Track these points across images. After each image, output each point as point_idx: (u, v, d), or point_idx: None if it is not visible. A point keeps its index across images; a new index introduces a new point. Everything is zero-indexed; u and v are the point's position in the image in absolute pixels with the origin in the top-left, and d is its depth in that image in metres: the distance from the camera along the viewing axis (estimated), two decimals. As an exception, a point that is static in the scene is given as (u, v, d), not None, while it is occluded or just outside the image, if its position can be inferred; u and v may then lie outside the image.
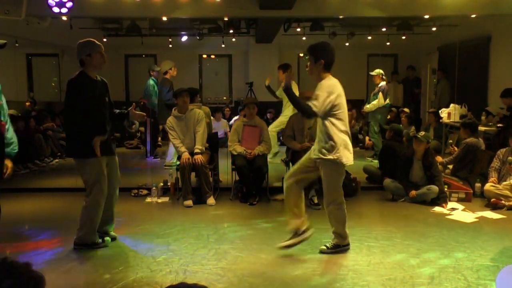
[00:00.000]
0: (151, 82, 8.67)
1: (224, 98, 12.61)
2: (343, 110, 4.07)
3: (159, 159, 8.83)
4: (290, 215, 4.30)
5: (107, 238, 4.47)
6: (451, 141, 7.84)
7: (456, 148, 6.96)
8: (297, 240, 4.25)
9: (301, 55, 11.93)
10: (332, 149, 4.03)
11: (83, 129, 4.19)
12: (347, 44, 10.76)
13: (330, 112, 4.00)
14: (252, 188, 6.06)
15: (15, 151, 3.74)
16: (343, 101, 4.07)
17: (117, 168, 4.56)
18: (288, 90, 4.07)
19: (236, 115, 10.83)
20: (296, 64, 11.85)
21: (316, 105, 3.91)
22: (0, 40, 3.63)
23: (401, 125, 8.35)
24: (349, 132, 4.18)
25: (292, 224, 4.28)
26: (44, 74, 12.62)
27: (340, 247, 4.27)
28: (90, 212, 4.30)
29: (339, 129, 4.04)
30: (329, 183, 4.18)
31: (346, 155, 4.07)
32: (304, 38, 10.38)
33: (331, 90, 3.98)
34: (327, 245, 4.29)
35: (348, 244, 4.32)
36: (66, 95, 4.27)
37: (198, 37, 10.82)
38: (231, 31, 10.63)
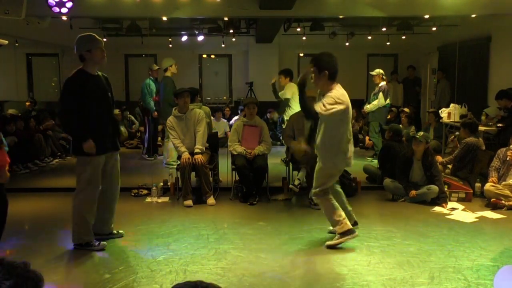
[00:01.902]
0: (147, 81, 8.60)
1: (224, 98, 12.60)
2: (347, 121, 4.22)
3: (153, 158, 8.83)
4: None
5: (103, 242, 4.39)
6: (453, 136, 7.85)
7: (457, 143, 6.95)
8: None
9: (301, 55, 11.92)
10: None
11: (82, 127, 4.17)
12: (347, 44, 10.75)
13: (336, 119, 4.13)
14: (252, 188, 6.06)
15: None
16: (349, 113, 4.22)
17: (118, 164, 4.56)
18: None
19: (236, 115, 10.83)
20: (296, 64, 11.84)
21: (322, 108, 4.04)
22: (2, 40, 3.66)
23: (400, 125, 8.35)
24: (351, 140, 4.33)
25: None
26: (44, 74, 12.62)
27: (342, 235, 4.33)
28: (82, 210, 4.27)
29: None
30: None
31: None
32: (304, 38, 10.38)
33: (340, 100, 4.09)
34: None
35: (350, 230, 4.35)
36: (62, 94, 4.27)
37: (197, 37, 10.81)
38: (231, 31, 10.62)
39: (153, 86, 8.54)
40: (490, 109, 7.76)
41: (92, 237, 4.36)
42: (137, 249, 4.36)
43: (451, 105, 8.33)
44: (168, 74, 8.07)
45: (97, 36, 4.31)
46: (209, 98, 12.33)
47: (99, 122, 4.27)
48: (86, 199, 4.28)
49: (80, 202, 4.28)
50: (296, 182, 5.97)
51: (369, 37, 10.29)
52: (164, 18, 7.58)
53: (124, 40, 10.65)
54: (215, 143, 6.74)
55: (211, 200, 5.94)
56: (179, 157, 6.13)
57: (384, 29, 9.42)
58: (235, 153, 6.20)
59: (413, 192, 5.93)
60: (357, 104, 10.35)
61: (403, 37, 10.37)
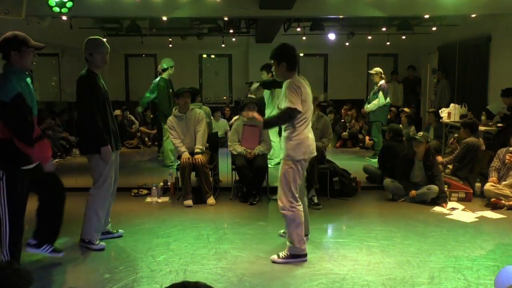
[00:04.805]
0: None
1: (224, 98, 12.60)
2: (308, 108, 4.04)
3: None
4: None
5: (102, 243, 4.41)
6: (453, 138, 7.84)
7: (457, 145, 6.95)
8: None
9: (301, 55, 11.91)
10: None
11: (98, 124, 4.23)
12: (347, 44, 10.75)
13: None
14: (252, 188, 6.06)
15: None
16: (309, 99, 4.05)
17: (118, 163, 4.61)
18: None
19: (236, 115, 10.82)
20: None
21: (292, 102, 3.89)
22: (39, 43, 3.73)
23: (400, 125, 8.35)
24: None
25: None
26: (44, 74, 12.59)
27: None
28: (96, 206, 4.34)
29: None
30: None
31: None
32: (304, 38, 10.37)
33: (298, 85, 3.98)
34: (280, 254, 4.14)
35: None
36: (79, 92, 4.31)
37: (197, 37, 10.80)
38: (231, 31, 10.62)
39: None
40: (492, 106, 7.76)
41: (96, 235, 4.40)
42: (137, 249, 4.36)
43: (451, 105, 8.33)
44: (164, 75, 7.96)
45: (102, 42, 4.36)
46: (209, 98, 12.33)
47: (110, 120, 4.37)
48: (101, 195, 4.36)
49: (95, 198, 4.35)
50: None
51: (369, 37, 10.29)
52: (164, 18, 7.58)
53: (124, 40, 10.63)
54: (215, 143, 6.74)
55: (211, 200, 5.94)
56: (179, 157, 6.13)
57: (384, 29, 9.42)
58: (235, 153, 6.20)
59: (413, 192, 5.93)
60: (358, 104, 10.36)
61: (403, 37, 10.36)
